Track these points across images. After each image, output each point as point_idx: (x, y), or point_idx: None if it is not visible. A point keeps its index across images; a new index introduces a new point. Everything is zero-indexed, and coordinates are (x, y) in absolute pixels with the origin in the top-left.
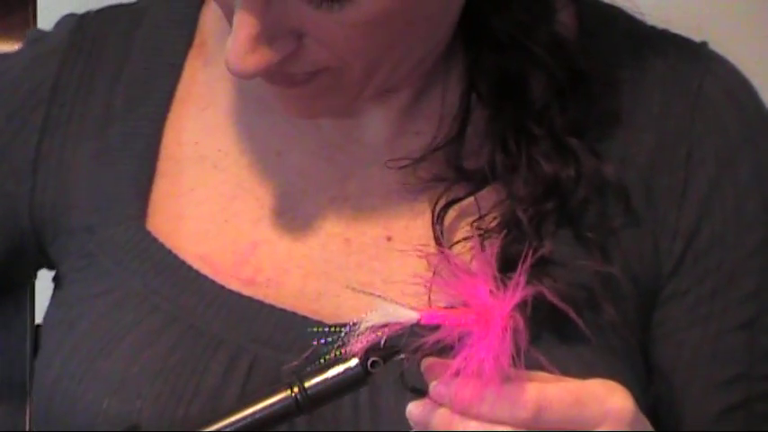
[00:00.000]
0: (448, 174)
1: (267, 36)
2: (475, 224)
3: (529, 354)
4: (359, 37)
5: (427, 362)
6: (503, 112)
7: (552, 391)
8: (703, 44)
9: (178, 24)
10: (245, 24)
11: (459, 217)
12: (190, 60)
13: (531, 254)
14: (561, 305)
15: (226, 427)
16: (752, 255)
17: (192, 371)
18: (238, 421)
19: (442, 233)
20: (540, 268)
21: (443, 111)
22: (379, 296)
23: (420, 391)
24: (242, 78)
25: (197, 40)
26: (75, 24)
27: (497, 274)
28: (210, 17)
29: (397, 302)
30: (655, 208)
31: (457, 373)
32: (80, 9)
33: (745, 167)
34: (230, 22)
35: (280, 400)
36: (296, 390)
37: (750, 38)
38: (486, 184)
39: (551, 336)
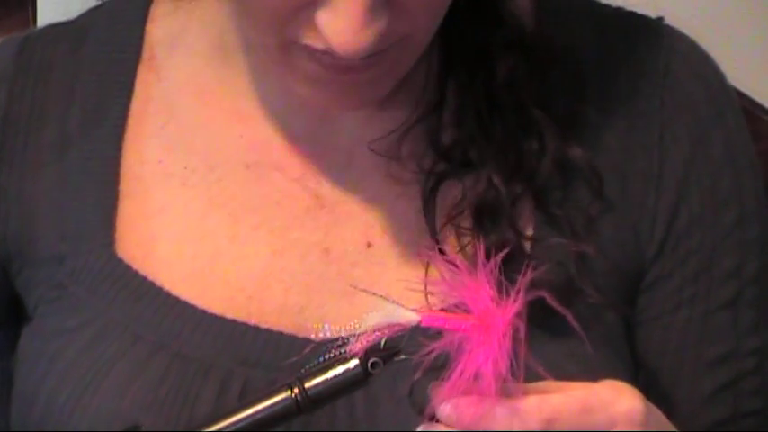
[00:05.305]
0: (426, 154)
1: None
2: (453, 223)
3: (528, 362)
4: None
5: (435, 386)
6: (473, 85)
7: (559, 401)
8: (660, 20)
9: (124, 40)
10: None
11: (440, 214)
12: (140, 76)
13: (531, 265)
14: (561, 309)
15: (226, 427)
16: (730, 232)
17: (183, 400)
18: (238, 421)
19: (435, 231)
20: (522, 260)
21: (419, 94)
22: (381, 296)
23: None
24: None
25: (145, 55)
26: (18, 49)
27: (502, 279)
28: (157, 30)
29: (398, 303)
30: (631, 193)
31: (457, 386)
32: (80, 9)
33: (716, 144)
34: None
35: (280, 401)
36: (296, 390)
37: (750, 38)
38: (465, 169)
39: (540, 332)
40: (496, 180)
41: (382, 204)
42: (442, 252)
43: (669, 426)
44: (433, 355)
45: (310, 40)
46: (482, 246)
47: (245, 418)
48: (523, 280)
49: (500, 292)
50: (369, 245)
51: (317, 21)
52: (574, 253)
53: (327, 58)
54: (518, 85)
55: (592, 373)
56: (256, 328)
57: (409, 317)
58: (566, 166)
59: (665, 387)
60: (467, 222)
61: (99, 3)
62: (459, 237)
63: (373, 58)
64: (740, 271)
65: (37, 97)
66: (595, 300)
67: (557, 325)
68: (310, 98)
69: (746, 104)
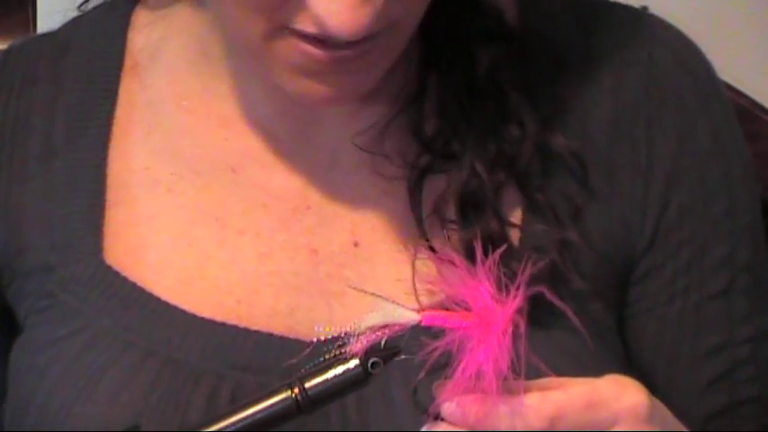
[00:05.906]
0: (410, 149)
1: None
2: (438, 214)
3: (528, 358)
4: None
5: (439, 384)
6: (453, 75)
7: (561, 398)
8: (644, 9)
9: (106, 49)
10: None
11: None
12: (124, 84)
13: (530, 261)
14: (560, 304)
15: (226, 427)
16: (720, 221)
17: (174, 407)
18: (238, 422)
19: (424, 229)
20: (510, 253)
21: (400, 88)
22: (380, 296)
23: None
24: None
25: (128, 63)
26: (0, 62)
27: (502, 277)
28: (139, 38)
29: (397, 303)
30: (618, 185)
31: (460, 386)
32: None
33: (704, 135)
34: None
35: (280, 401)
36: (296, 390)
37: (750, 38)
38: (449, 160)
39: (529, 327)
40: (479, 167)
41: (368, 202)
42: (433, 249)
43: (674, 420)
44: (436, 354)
45: (302, 25)
46: (479, 242)
47: (245, 418)
48: (523, 276)
49: (499, 288)
50: (356, 244)
51: (310, 3)
52: (558, 241)
53: (318, 53)
54: (499, 75)
55: (583, 368)
56: (246, 331)
57: (409, 316)
58: (549, 154)
59: (661, 380)
60: (452, 214)
61: (80, 13)
62: (444, 229)
63: (363, 44)
64: (732, 260)
65: (21, 109)
66: (579, 285)
67: (544, 318)
68: (298, 92)
69: (746, 104)
